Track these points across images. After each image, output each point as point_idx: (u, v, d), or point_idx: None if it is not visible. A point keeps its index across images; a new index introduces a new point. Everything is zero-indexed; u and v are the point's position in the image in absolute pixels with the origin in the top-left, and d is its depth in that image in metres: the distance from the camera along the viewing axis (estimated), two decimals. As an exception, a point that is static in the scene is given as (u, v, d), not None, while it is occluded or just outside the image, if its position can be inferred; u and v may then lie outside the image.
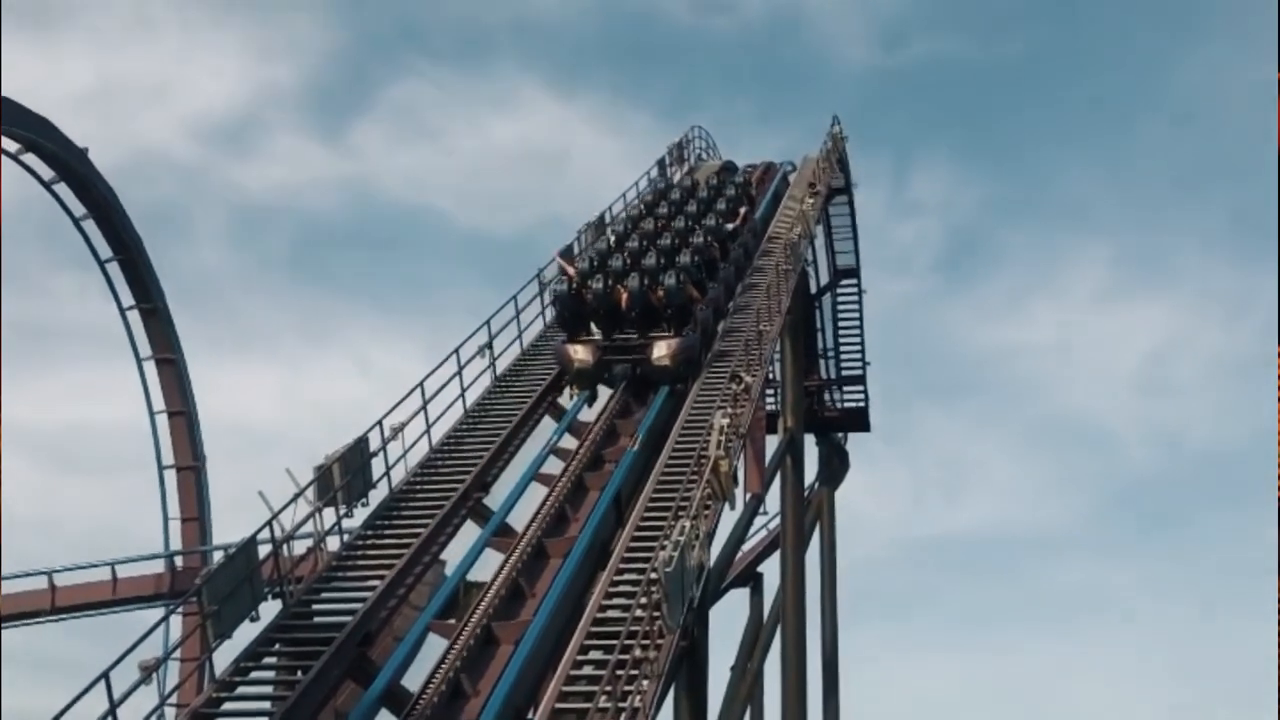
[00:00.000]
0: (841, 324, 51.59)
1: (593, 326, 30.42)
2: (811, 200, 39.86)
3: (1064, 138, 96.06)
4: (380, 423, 24.67)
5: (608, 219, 38.13)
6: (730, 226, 36.40)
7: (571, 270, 31.52)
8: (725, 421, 24.26)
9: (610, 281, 30.64)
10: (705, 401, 28.39)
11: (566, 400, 30.00)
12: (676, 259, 32.01)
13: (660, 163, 44.88)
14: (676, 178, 43.80)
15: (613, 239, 34.65)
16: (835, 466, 50.62)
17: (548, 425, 29.08)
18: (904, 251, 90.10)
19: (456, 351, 28.59)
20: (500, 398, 29.44)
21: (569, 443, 27.84)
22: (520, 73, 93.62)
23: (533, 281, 33.08)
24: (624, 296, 30.37)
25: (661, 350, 29.67)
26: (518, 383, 30.19)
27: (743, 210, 37.92)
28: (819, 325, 51.02)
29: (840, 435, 51.71)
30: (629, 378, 29.85)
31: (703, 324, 31.23)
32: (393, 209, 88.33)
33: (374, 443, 24.54)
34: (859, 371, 51.61)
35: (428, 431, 26.76)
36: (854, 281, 50.69)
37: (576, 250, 35.18)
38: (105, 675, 17.13)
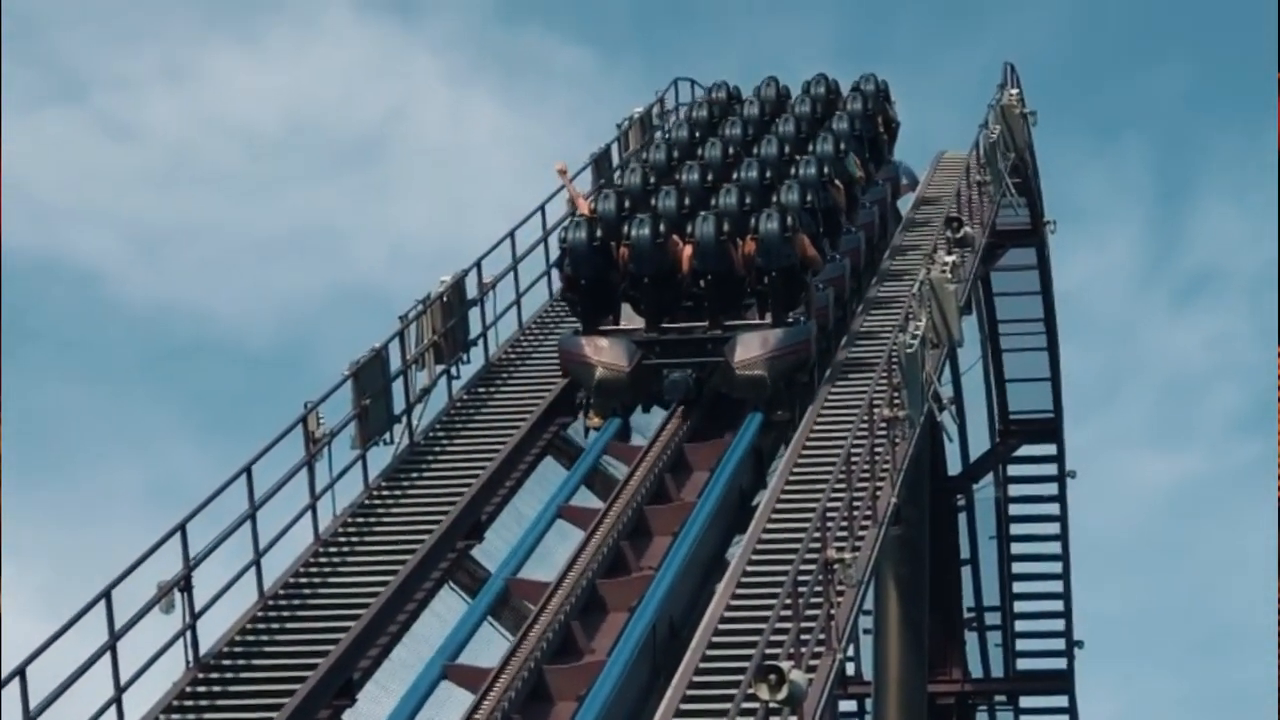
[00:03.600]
0: (1018, 549, 28.67)
1: (626, 309, 19.96)
2: (953, 259, 20.32)
3: None
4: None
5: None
6: (859, 173, 23.08)
7: (584, 203, 20.75)
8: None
9: (661, 227, 19.58)
10: (825, 443, 18.05)
11: (580, 432, 19.85)
12: (776, 196, 20.58)
13: (598, 161, 24.85)
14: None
15: (646, 169, 21.43)
16: None
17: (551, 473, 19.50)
18: (1178, 380, 48.00)
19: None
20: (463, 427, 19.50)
21: (588, 498, 18.68)
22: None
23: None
24: (685, 253, 19.62)
25: (751, 349, 19.33)
26: (489, 404, 20.05)
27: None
28: (966, 551, 28.31)
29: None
30: (689, 396, 19.53)
31: (820, 311, 20.34)
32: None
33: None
34: (1060, 663, 28.37)
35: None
36: (1050, 449, 28.23)
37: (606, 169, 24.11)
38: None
